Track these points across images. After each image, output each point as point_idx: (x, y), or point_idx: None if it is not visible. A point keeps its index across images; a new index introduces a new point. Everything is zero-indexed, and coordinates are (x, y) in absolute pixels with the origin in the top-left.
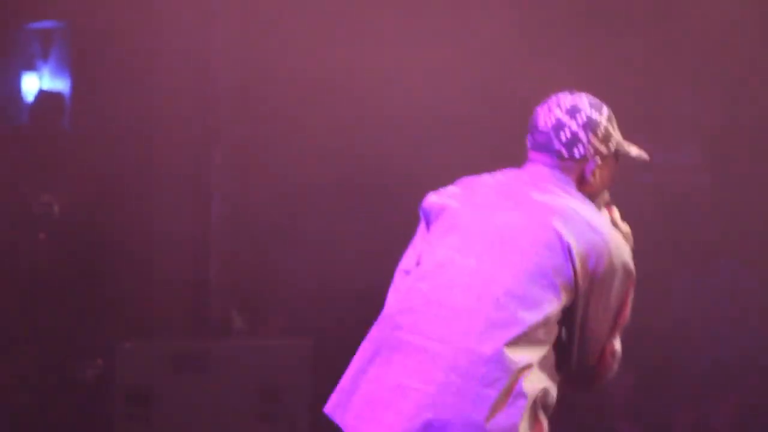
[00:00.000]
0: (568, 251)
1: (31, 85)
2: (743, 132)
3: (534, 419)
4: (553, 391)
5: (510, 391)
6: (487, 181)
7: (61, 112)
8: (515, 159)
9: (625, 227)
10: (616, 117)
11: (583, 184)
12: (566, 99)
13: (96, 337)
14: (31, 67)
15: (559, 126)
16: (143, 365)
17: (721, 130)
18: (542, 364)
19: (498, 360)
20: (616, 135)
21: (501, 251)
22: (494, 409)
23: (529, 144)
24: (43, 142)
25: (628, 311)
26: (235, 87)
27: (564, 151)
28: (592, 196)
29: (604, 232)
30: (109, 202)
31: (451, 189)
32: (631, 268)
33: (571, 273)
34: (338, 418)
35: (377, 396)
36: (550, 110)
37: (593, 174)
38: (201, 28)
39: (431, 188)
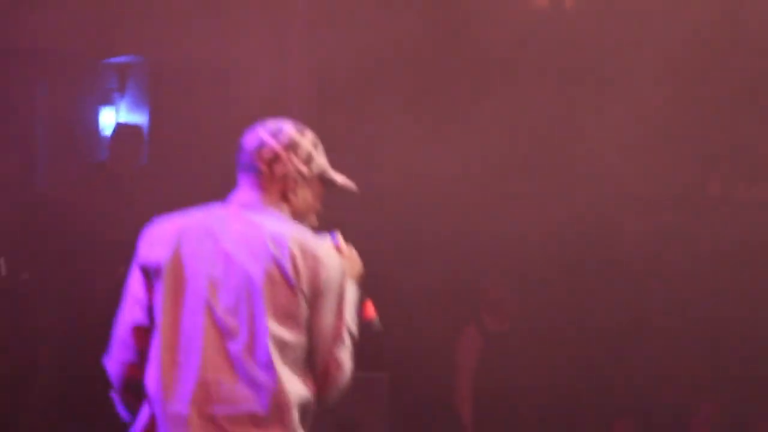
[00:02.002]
0: (288, 275)
1: (108, 119)
2: None
3: None
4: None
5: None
6: (196, 223)
7: (140, 145)
8: None
9: (349, 251)
10: None
11: (284, 201)
12: (271, 123)
13: None
14: (108, 101)
15: (261, 145)
16: None
17: None
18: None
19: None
20: (320, 160)
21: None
22: None
23: (237, 166)
24: (122, 176)
25: (347, 318)
26: (310, 115)
27: (264, 168)
28: (295, 216)
29: (313, 241)
30: None
31: (160, 238)
32: (344, 285)
33: (299, 290)
34: None
35: None
36: (255, 132)
37: (294, 192)
38: (276, 56)
39: None
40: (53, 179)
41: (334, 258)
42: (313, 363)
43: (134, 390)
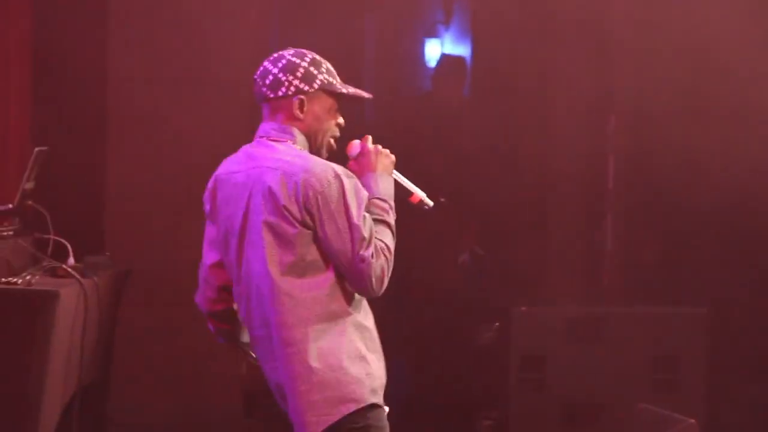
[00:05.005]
0: (281, 203)
1: (433, 51)
2: None
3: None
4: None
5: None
6: (226, 167)
7: (463, 78)
8: None
9: (375, 149)
10: None
11: (293, 120)
12: (276, 53)
13: (495, 302)
14: (433, 33)
15: (265, 74)
16: (538, 330)
17: None
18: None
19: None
20: (323, 77)
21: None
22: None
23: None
24: (444, 107)
25: (357, 215)
26: (633, 50)
27: (269, 93)
28: (310, 131)
29: (298, 164)
30: (509, 168)
31: (208, 188)
32: (341, 177)
33: (293, 218)
34: None
35: None
36: (261, 64)
37: (300, 110)
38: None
39: None
40: (380, 109)
41: (321, 171)
42: (341, 268)
43: (219, 317)
